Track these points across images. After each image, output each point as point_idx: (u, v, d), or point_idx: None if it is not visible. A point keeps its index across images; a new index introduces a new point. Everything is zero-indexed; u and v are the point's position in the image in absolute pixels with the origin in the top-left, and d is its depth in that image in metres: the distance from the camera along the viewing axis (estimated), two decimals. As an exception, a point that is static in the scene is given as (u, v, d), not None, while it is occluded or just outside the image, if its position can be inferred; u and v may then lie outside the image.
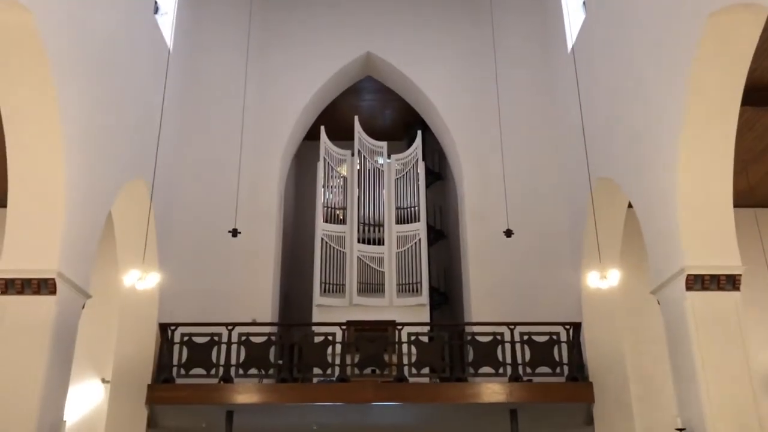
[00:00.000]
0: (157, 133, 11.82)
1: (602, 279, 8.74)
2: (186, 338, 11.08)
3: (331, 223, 15.71)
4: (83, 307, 9.68)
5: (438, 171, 19.41)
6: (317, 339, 11.19)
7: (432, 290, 15.80)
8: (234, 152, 13.36)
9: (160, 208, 12.48)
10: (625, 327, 12.57)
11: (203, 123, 14.32)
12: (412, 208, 15.98)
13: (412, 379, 11.11)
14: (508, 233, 11.29)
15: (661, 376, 12.70)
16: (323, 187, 15.79)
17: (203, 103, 14.46)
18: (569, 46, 13.46)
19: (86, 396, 13.20)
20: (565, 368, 11.14)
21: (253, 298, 13.09)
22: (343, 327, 11.21)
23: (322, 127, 16.31)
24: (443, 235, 18.79)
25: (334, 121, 16.98)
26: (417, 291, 14.99)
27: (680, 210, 8.63)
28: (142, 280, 8.59)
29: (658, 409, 12.73)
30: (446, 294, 18.14)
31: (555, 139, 14.21)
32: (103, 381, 13.09)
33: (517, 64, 14.80)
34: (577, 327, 11.31)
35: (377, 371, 11.16)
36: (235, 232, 11.22)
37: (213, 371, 10.89)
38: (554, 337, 11.15)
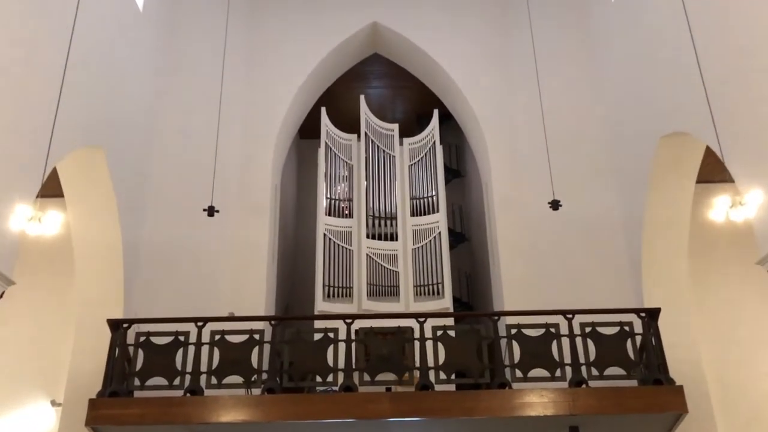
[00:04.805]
0: (123, 101, 9.97)
1: (734, 207, 5.97)
2: (143, 338, 8.56)
3: (335, 216, 13.39)
4: (2, 296, 7.55)
5: (456, 168, 17.19)
6: (316, 337, 8.65)
7: (452, 300, 13.28)
8: (214, 131, 11.42)
9: (124, 186, 10.48)
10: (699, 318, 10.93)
11: (182, 96, 12.73)
12: (430, 198, 13.77)
13: (439, 387, 8.57)
14: (555, 205, 9.59)
15: (748, 380, 11.09)
16: (325, 176, 13.44)
17: (183, 73, 12.92)
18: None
19: (33, 422, 11.35)
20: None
21: (244, 302, 11.08)
22: (348, 321, 8.66)
23: (323, 109, 14.19)
24: (464, 237, 16.57)
25: (337, 112, 15.09)
26: (438, 293, 12.72)
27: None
28: (35, 220, 6.05)
29: (746, 420, 10.76)
30: (469, 304, 15.71)
31: (603, 100, 12.38)
32: (54, 404, 11.29)
33: (552, 21, 13.10)
34: (654, 314, 8.71)
35: (394, 377, 8.62)
36: (211, 211, 9.46)
37: (177, 380, 8.38)
38: (626, 328, 8.54)
